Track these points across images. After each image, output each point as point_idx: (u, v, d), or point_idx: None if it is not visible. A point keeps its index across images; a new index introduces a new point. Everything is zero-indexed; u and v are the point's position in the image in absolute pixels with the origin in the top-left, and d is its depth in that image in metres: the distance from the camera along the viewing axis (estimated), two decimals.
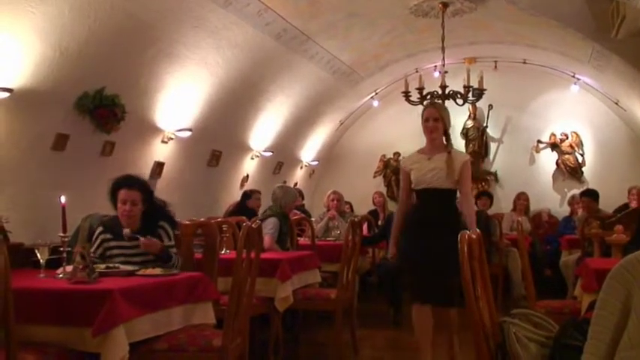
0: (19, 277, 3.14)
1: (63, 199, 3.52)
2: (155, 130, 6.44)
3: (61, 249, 3.53)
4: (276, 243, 5.46)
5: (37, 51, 4.69)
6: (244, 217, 5.80)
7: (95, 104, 5.35)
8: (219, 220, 5.40)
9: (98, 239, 3.87)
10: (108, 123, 5.53)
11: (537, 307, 4.02)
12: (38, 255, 3.50)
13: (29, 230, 4.82)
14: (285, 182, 9.32)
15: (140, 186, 3.86)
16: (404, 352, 5.65)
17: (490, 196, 8.73)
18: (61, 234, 3.52)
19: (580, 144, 9.89)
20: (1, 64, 4.51)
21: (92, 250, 3.82)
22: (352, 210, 8.82)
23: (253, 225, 3.50)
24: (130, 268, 3.56)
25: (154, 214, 3.90)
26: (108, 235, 3.86)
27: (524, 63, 9.52)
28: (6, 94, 4.57)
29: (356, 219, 5.46)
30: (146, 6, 5.26)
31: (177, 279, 3.48)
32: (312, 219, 7.18)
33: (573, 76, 9.42)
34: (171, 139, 6.66)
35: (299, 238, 6.49)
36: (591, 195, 7.30)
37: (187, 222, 4.34)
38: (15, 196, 4.99)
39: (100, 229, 3.91)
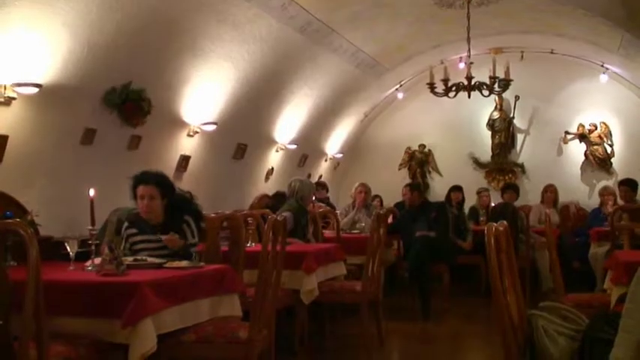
0: (49, 269, 3.19)
1: (91, 192, 3.57)
2: (181, 123, 6.49)
3: (90, 242, 3.58)
4: (296, 236, 5.45)
5: (66, 46, 4.75)
6: (268, 210, 5.83)
7: (122, 99, 5.40)
8: (244, 212, 5.43)
9: (124, 234, 3.93)
10: (134, 117, 5.58)
11: (566, 300, 3.97)
12: (68, 248, 3.56)
13: (58, 223, 4.88)
14: (309, 175, 9.33)
15: (156, 180, 3.89)
16: (430, 345, 5.64)
17: (516, 189, 8.63)
18: (90, 227, 3.57)
19: (609, 134, 9.72)
20: (31, 60, 4.58)
21: (122, 246, 3.87)
22: (382, 204, 8.77)
23: (278, 218, 3.51)
24: (157, 260, 3.60)
25: (178, 207, 3.93)
26: (133, 230, 3.91)
27: (552, 53, 9.38)
28: (35, 90, 4.63)
29: (381, 211, 5.44)
30: (171, 1, 5.29)
31: (204, 271, 3.51)
32: (337, 211, 7.18)
33: (602, 66, 9.25)
34: (197, 132, 6.70)
35: (324, 231, 6.50)
36: (629, 184, 7.26)
37: (213, 215, 4.37)
38: (45, 190, 5.06)
39: (125, 224, 3.97)
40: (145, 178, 3.87)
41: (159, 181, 3.90)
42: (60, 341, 2.89)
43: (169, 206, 3.90)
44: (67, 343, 2.92)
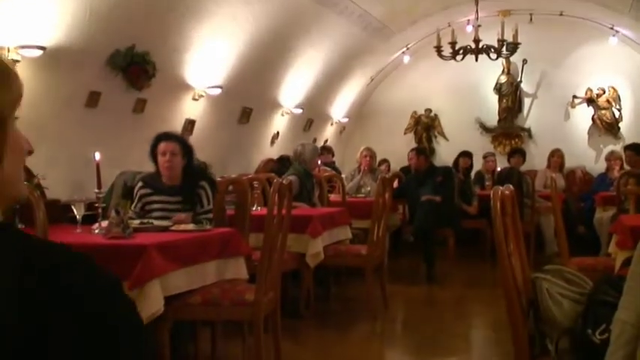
0: (56, 232, 3.22)
1: (97, 155, 3.58)
2: (186, 87, 6.45)
3: (97, 205, 3.60)
4: (301, 199, 5.46)
5: (69, 8, 4.70)
6: (274, 174, 5.83)
7: (127, 62, 5.37)
8: (250, 176, 5.44)
9: (137, 194, 3.93)
10: (139, 80, 5.56)
11: (570, 264, 3.99)
12: (74, 211, 3.57)
13: (65, 187, 4.91)
14: (315, 140, 9.31)
15: (178, 138, 3.95)
16: (435, 308, 5.69)
17: (523, 153, 8.61)
18: (96, 190, 3.58)
19: (617, 99, 9.64)
20: (34, 22, 4.54)
21: (133, 205, 3.89)
22: (390, 169, 8.76)
23: (284, 182, 3.52)
24: (164, 223, 3.61)
25: (195, 171, 3.95)
26: (147, 190, 3.92)
27: (561, 15, 9.23)
28: (39, 52, 4.60)
29: (387, 176, 5.44)
30: None
31: (211, 234, 3.53)
32: (343, 176, 7.19)
33: (612, 28, 9.11)
34: (202, 96, 6.67)
35: (330, 195, 6.51)
36: (635, 149, 7.21)
37: (219, 179, 4.38)
38: (51, 154, 5.07)
39: (139, 184, 3.97)
40: (166, 136, 3.91)
41: (180, 140, 3.95)
42: None
43: (187, 170, 3.91)
44: None
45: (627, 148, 7.48)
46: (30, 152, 1.03)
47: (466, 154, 8.21)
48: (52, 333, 0.75)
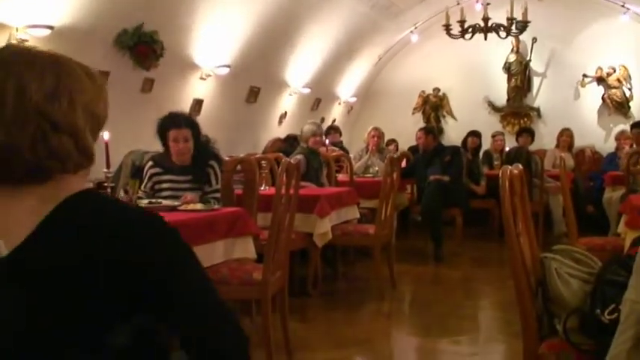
0: None
1: (106, 135, 3.57)
2: (193, 66, 6.44)
3: (106, 184, 3.61)
4: (308, 179, 5.46)
5: None
6: (281, 154, 5.83)
7: (134, 41, 5.36)
8: (258, 156, 5.44)
9: (147, 174, 3.94)
10: (147, 60, 5.55)
11: (579, 244, 3.98)
12: None
13: None
14: (322, 119, 9.28)
15: (188, 123, 3.91)
16: (441, 286, 5.71)
17: (532, 133, 8.55)
18: (105, 170, 3.59)
19: (628, 78, 9.54)
20: (42, 1, 4.53)
21: (143, 185, 3.89)
22: (397, 149, 8.74)
23: (292, 161, 3.51)
24: (172, 203, 3.62)
25: (203, 150, 3.95)
26: (158, 170, 3.92)
27: None
28: (47, 32, 4.60)
29: (395, 155, 5.43)
30: None
31: (218, 214, 3.54)
32: (351, 155, 7.18)
33: (623, 6, 9.00)
34: (210, 75, 6.66)
35: (337, 175, 6.51)
36: None
37: (227, 158, 4.38)
38: None
39: (149, 163, 3.97)
40: (177, 121, 3.85)
41: (189, 123, 3.92)
42: None
43: (196, 149, 3.90)
44: None
45: (634, 126, 7.40)
46: None
47: (474, 134, 8.17)
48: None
